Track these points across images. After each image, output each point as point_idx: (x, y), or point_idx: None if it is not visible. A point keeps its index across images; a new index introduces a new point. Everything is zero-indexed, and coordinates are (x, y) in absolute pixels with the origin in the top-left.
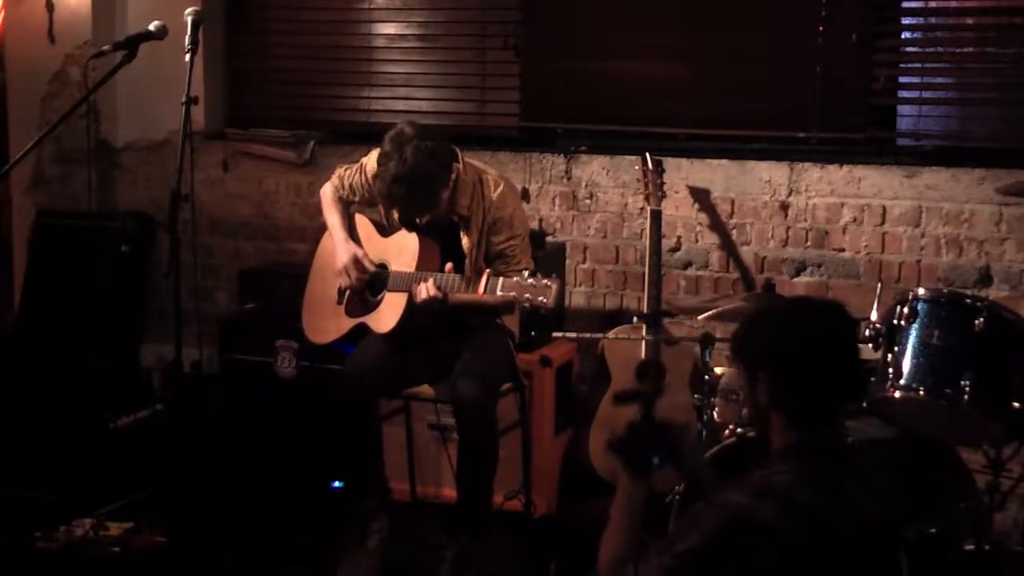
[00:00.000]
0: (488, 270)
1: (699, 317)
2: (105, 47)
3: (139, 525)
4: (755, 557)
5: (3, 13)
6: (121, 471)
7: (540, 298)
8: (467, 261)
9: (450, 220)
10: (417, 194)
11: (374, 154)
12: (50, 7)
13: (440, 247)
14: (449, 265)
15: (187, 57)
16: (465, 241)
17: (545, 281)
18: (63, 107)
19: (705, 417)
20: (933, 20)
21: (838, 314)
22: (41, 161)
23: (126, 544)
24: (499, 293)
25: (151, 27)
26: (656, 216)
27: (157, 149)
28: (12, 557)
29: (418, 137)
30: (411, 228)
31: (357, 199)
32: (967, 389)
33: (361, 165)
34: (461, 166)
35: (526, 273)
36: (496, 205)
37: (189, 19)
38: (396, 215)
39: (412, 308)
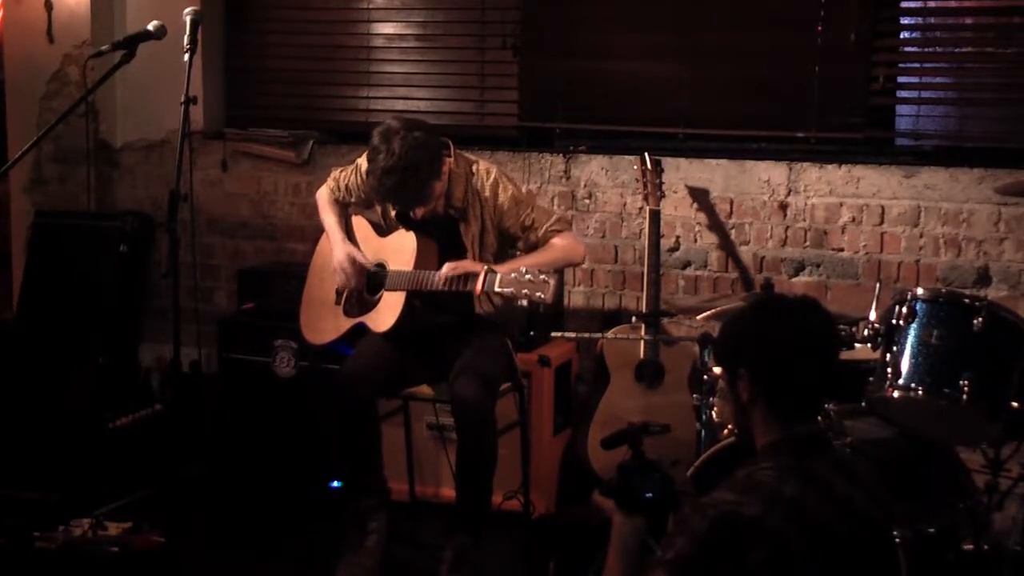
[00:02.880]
0: (485, 267)
1: (698, 317)
2: (104, 47)
3: (138, 525)
4: (747, 554)
5: (2, 12)
6: (120, 471)
7: (538, 293)
8: (468, 255)
9: (447, 215)
10: (408, 185)
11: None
12: (49, 7)
13: (438, 246)
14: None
15: (186, 57)
16: (466, 234)
17: (543, 276)
18: (62, 107)
19: (704, 417)
20: (932, 20)
21: (813, 309)
22: (40, 161)
23: (125, 544)
24: (497, 289)
25: (150, 27)
26: (655, 216)
27: (156, 149)
28: (11, 557)
29: (405, 129)
30: (408, 227)
31: (353, 200)
32: (966, 389)
33: (356, 166)
34: (452, 159)
35: (523, 269)
36: (494, 194)
37: (188, 19)
38: (392, 213)
39: (412, 308)
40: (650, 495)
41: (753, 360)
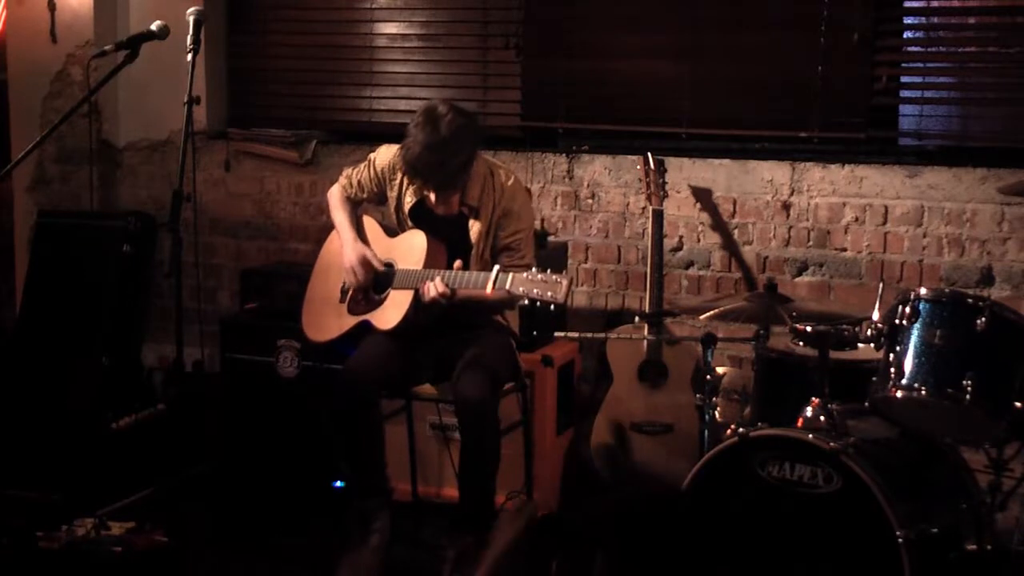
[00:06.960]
0: (496, 266)
1: (701, 317)
2: (107, 47)
3: (140, 525)
4: None
5: (5, 13)
6: (123, 471)
7: (549, 293)
8: (474, 252)
9: (460, 212)
10: (447, 164)
11: (382, 149)
12: (52, 7)
13: (447, 247)
14: (458, 263)
15: (189, 57)
16: (474, 230)
17: (555, 277)
18: (65, 107)
19: (707, 416)
20: (935, 19)
21: None
22: (43, 161)
23: (128, 544)
24: (508, 288)
25: (153, 27)
26: (658, 216)
27: (159, 149)
28: (14, 557)
29: (454, 111)
30: (420, 225)
31: (366, 195)
32: (969, 389)
33: (369, 160)
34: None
35: (535, 269)
36: (507, 196)
37: (191, 19)
38: (407, 207)
39: (418, 306)
40: None
41: None
